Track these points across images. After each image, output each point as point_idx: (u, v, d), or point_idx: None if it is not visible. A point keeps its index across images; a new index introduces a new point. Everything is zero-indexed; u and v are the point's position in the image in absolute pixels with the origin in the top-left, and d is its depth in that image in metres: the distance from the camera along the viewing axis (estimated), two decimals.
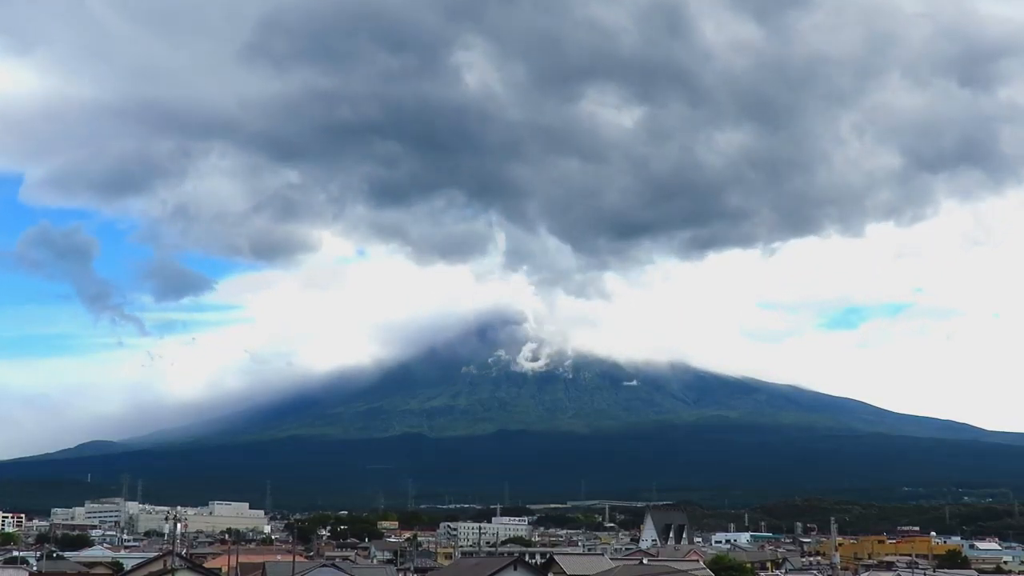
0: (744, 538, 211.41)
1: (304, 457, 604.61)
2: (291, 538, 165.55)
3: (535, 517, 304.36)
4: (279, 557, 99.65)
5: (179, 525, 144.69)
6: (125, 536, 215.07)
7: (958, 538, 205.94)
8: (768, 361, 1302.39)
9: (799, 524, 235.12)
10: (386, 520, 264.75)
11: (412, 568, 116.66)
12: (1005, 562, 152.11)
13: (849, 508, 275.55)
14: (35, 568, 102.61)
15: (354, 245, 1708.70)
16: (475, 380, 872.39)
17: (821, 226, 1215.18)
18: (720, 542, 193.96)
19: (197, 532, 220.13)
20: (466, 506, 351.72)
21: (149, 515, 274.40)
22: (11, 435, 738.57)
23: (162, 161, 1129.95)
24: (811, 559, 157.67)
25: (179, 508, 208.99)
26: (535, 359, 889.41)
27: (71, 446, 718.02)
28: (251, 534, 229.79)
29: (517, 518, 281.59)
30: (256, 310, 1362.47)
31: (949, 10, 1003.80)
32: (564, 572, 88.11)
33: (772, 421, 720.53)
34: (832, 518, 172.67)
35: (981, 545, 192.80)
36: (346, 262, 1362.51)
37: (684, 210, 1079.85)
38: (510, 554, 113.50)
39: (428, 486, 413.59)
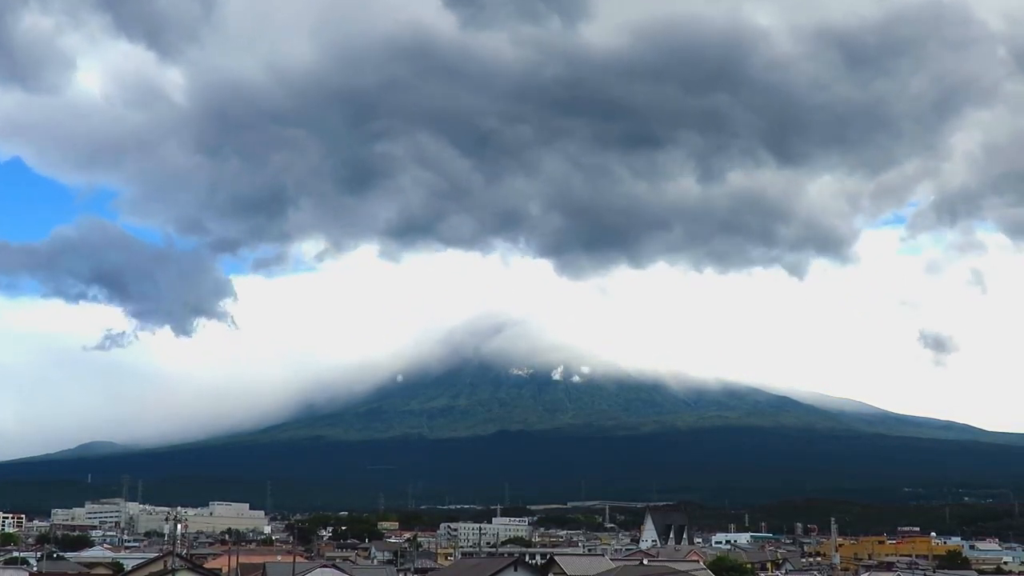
0: (744, 538, 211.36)
1: (304, 458, 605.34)
2: (291, 538, 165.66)
3: (535, 518, 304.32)
4: (279, 557, 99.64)
5: (179, 526, 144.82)
6: (125, 537, 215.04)
7: (958, 538, 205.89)
8: (768, 362, 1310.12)
9: (799, 524, 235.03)
10: (386, 520, 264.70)
11: (412, 569, 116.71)
12: (1005, 563, 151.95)
13: (849, 508, 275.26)
14: (35, 568, 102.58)
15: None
16: (475, 381, 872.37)
17: None
18: (720, 542, 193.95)
19: (197, 533, 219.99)
20: (466, 506, 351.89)
21: (149, 515, 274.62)
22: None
23: None
24: (811, 559, 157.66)
25: (179, 508, 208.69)
26: (536, 360, 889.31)
27: (71, 446, 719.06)
28: (251, 534, 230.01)
29: (517, 519, 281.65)
30: (256, 313, 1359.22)
31: None
32: (564, 573, 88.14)
33: (772, 421, 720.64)
34: (832, 518, 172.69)
35: (981, 545, 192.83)
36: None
37: None
38: (510, 555, 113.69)
39: (428, 486, 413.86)
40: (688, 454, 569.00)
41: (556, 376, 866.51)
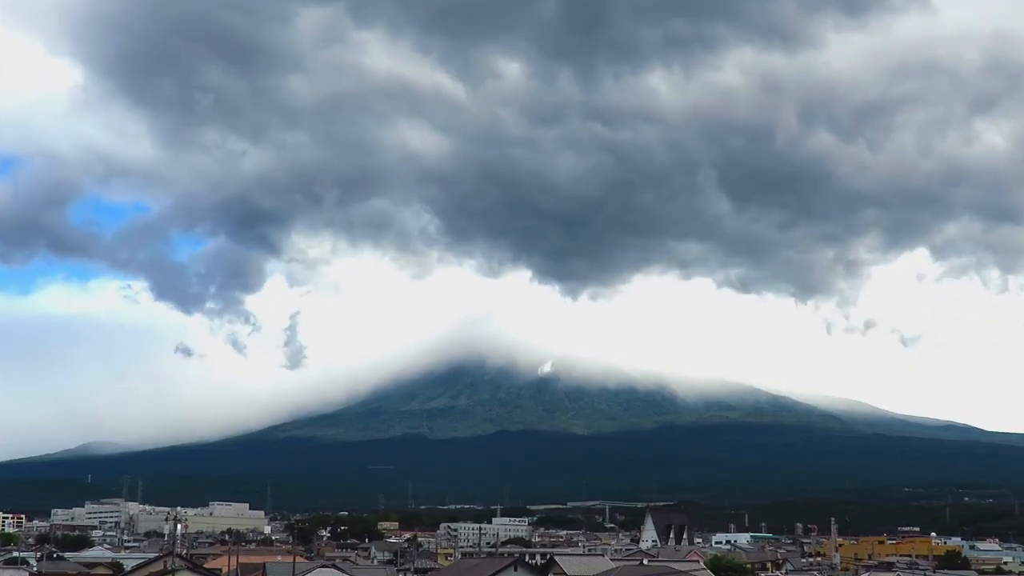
0: (744, 538, 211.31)
1: (305, 458, 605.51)
2: (291, 539, 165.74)
3: (535, 518, 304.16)
4: (279, 558, 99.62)
5: (179, 526, 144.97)
6: (125, 537, 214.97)
7: (958, 539, 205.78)
8: (769, 363, 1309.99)
9: (799, 524, 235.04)
10: (386, 521, 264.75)
11: (412, 569, 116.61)
12: (1005, 563, 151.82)
13: (849, 508, 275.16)
14: (35, 568, 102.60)
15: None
16: (475, 381, 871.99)
17: None
18: (720, 542, 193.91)
19: (197, 533, 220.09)
20: (466, 507, 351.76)
21: (149, 516, 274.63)
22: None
23: None
24: (811, 559, 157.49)
25: (179, 509, 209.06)
26: (536, 360, 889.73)
27: (71, 446, 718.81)
28: (251, 535, 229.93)
29: (517, 519, 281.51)
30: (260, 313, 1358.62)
31: None
32: (564, 573, 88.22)
33: (772, 421, 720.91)
34: (832, 518, 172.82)
35: (981, 546, 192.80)
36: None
37: None
38: (510, 555, 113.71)
39: (428, 487, 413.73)
40: (688, 454, 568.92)
41: (556, 376, 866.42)
